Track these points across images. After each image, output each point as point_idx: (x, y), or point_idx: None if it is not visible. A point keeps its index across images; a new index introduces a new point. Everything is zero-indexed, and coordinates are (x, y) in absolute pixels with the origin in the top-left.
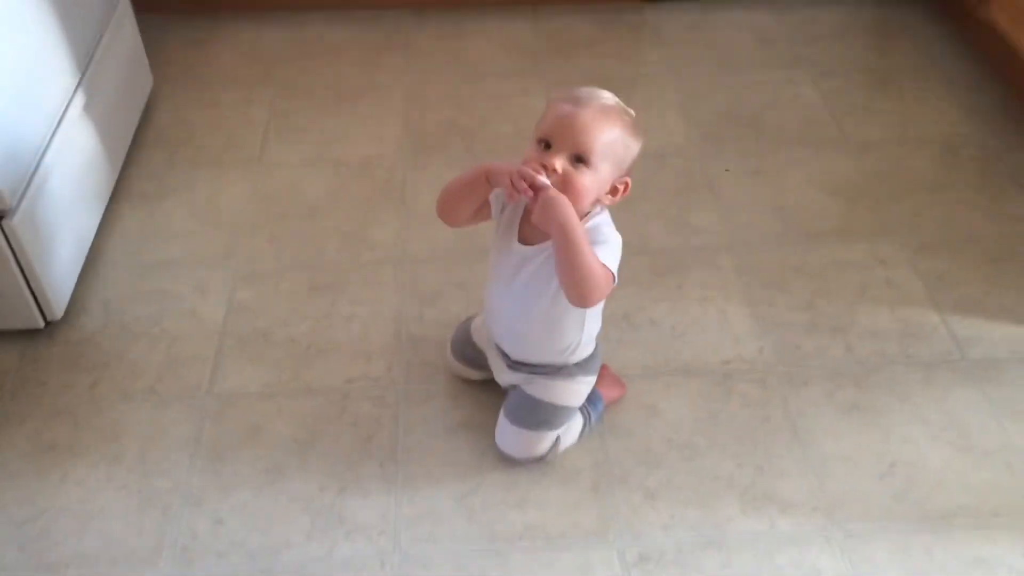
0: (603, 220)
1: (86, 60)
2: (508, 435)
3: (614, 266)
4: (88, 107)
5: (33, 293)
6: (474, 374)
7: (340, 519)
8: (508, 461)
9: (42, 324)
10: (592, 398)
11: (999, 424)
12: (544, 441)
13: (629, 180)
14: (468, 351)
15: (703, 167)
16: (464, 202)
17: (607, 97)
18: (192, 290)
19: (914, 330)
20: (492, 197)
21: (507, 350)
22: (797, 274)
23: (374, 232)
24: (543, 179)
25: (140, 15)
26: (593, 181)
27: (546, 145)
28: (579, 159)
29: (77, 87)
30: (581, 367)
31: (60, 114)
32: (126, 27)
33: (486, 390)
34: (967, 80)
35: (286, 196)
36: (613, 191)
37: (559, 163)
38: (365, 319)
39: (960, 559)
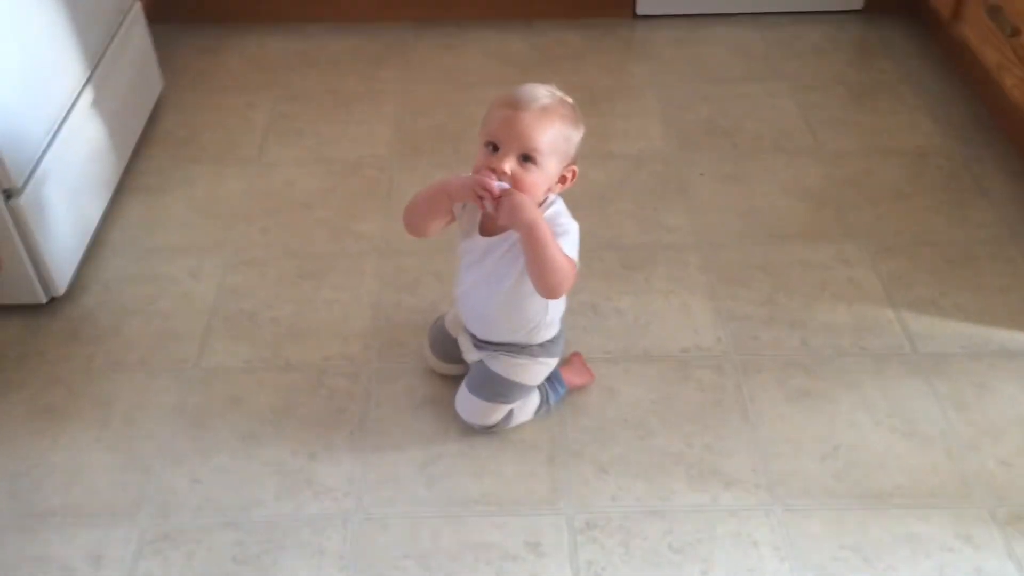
0: (558, 210)
1: (95, 59)
2: (464, 401)
3: (576, 255)
4: (97, 103)
5: (37, 270)
6: (453, 369)
7: (308, 482)
8: (467, 431)
9: (45, 300)
10: (555, 382)
11: (943, 413)
12: (496, 412)
13: (576, 168)
14: (446, 345)
15: (678, 171)
16: (429, 218)
17: (545, 95)
18: (186, 274)
19: (869, 325)
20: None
21: (475, 331)
22: (760, 272)
23: (360, 225)
24: (500, 184)
25: (155, 23)
26: (541, 177)
27: (494, 147)
28: (526, 158)
29: (86, 83)
30: (544, 348)
31: (68, 106)
32: (136, 33)
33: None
34: (940, 94)
35: (280, 193)
36: (562, 180)
37: (507, 165)
38: (346, 303)
39: (893, 535)
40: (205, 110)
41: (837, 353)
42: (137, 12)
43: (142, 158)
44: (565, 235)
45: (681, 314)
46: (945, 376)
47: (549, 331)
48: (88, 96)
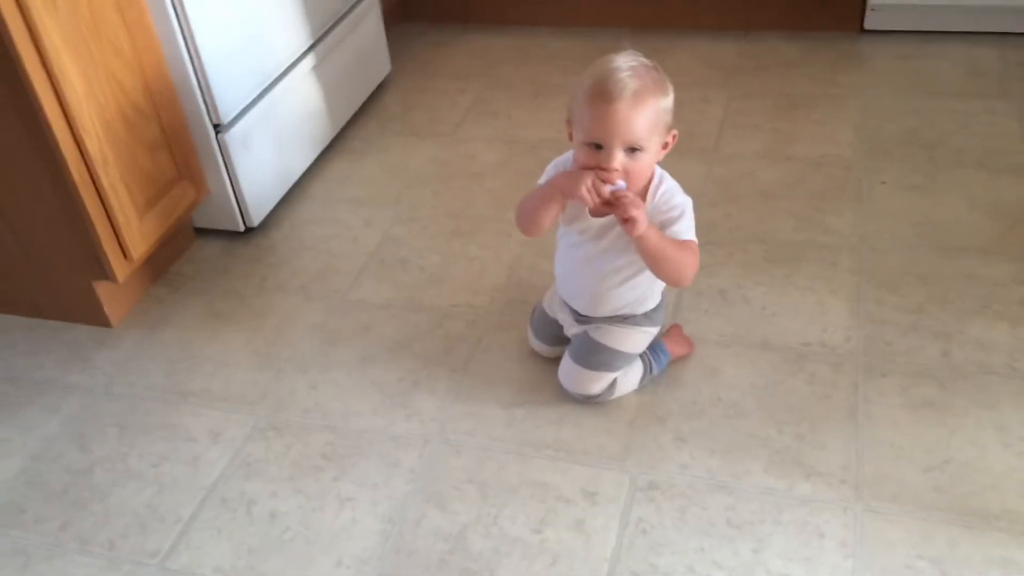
0: (669, 187)
1: (321, 31)
2: (568, 371)
3: (694, 235)
4: (317, 69)
5: (238, 202)
6: (559, 351)
7: (404, 404)
8: (562, 388)
9: (242, 228)
10: (658, 351)
11: None
12: (600, 381)
13: (675, 132)
14: (552, 329)
15: (858, 176)
16: (544, 218)
17: (628, 76)
18: (361, 222)
19: None
20: None
21: (579, 307)
22: (917, 280)
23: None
24: (617, 185)
25: (403, 21)
26: (648, 158)
27: (596, 145)
28: (631, 148)
29: (308, 50)
30: (647, 317)
31: (287, 66)
32: (370, 18)
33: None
34: None
35: (460, 163)
36: (664, 146)
37: (617, 162)
38: (486, 261)
39: (986, 556)
40: (421, 92)
41: (981, 370)
42: (372, 3)
43: (356, 126)
44: (681, 217)
45: (815, 311)
46: None
47: (652, 301)
48: (309, 62)
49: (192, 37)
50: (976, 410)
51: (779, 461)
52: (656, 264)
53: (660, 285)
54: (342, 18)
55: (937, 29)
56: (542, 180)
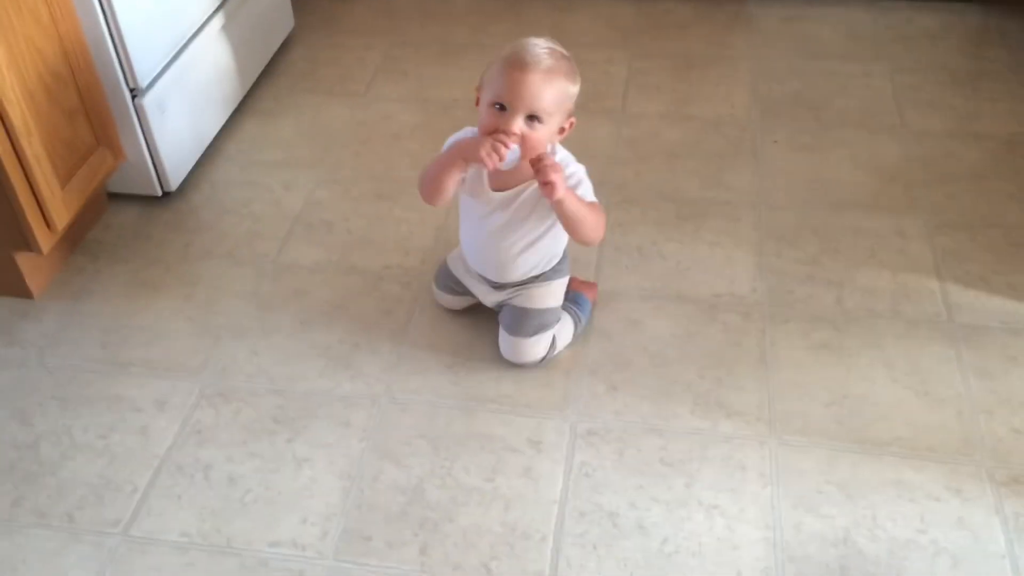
0: (564, 155)
1: None
2: (510, 346)
3: (593, 197)
4: (225, 29)
5: (155, 166)
6: (459, 303)
7: (347, 365)
8: (496, 342)
9: (159, 193)
10: (578, 300)
11: (963, 379)
12: (541, 344)
13: (574, 120)
14: (450, 283)
15: (752, 136)
16: (446, 183)
17: (546, 54)
18: (281, 185)
19: (909, 293)
20: None
21: (491, 277)
22: (811, 234)
23: None
24: (510, 147)
25: None
26: (546, 132)
27: (500, 107)
28: (531, 117)
29: (216, 10)
30: (556, 270)
31: (197, 28)
32: None
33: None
34: None
35: (376, 124)
36: (561, 131)
37: (516, 126)
38: (413, 223)
39: (882, 478)
40: (327, 48)
41: (869, 314)
42: None
43: (264, 86)
44: (580, 183)
45: (722, 264)
46: (976, 346)
47: (557, 256)
48: (218, 22)
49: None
50: (867, 350)
51: (702, 404)
52: (574, 225)
53: (563, 243)
54: None
55: None
56: (443, 151)
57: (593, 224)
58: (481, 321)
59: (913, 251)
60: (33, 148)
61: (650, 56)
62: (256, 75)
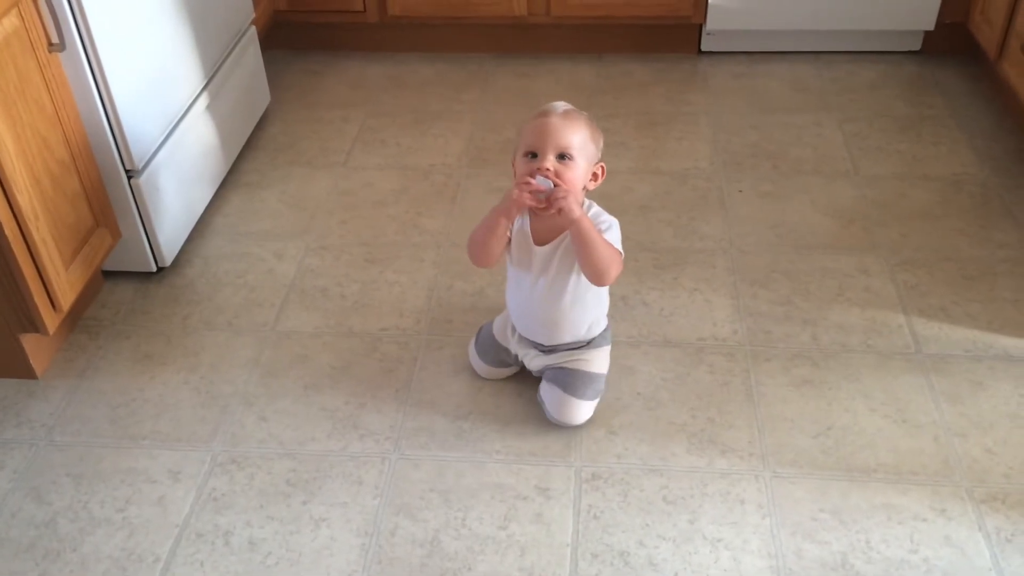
0: (598, 209)
1: (212, 71)
2: (568, 405)
3: (620, 246)
4: (210, 108)
5: (150, 243)
6: (503, 373)
7: (355, 426)
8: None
9: (155, 268)
10: None
11: (936, 405)
12: (592, 407)
13: (603, 164)
14: (496, 353)
15: (719, 187)
16: (493, 246)
17: (564, 104)
18: (272, 255)
19: (879, 328)
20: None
21: (541, 340)
22: (782, 276)
23: (425, 221)
24: (542, 180)
25: (269, 49)
26: (578, 172)
27: (532, 155)
28: (562, 156)
29: (202, 91)
30: (603, 337)
31: (185, 108)
32: (250, 52)
33: None
34: (985, 129)
35: (360, 192)
36: (593, 177)
37: (549, 163)
38: (405, 285)
39: (871, 503)
40: (305, 122)
41: (844, 349)
42: (252, 34)
43: (247, 159)
44: (610, 229)
45: (703, 308)
46: (944, 374)
47: (603, 323)
48: (203, 102)
49: (107, 86)
50: (845, 383)
51: (697, 443)
52: (586, 250)
53: (605, 307)
54: (229, 53)
55: (763, 50)
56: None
57: (607, 256)
58: (478, 378)
59: (877, 287)
60: (40, 232)
61: (614, 115)
62: (238, 150)
